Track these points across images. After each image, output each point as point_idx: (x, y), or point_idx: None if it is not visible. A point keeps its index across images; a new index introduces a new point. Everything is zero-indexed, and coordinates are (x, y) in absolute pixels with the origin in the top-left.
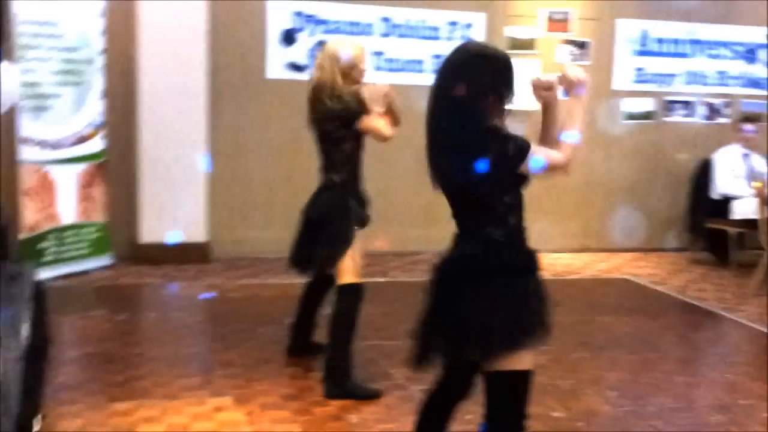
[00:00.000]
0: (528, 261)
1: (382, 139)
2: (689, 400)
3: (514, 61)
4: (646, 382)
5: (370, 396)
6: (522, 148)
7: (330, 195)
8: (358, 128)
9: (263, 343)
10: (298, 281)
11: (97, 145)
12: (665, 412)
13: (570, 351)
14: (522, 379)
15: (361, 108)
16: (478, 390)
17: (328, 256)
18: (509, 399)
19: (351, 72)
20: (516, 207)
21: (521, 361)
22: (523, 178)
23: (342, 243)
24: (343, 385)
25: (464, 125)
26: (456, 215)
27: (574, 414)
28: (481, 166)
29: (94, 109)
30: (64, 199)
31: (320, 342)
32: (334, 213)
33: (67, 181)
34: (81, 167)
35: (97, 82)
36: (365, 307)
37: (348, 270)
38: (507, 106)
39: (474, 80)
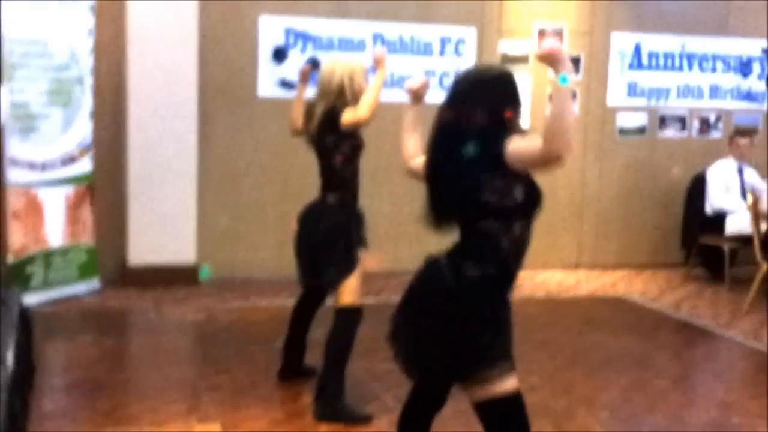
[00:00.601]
0: (492, 310)
1: (363, 121)
2: (683, 420)
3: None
4: (639, 401)
5: (361, 419)
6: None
7: (332, 215)
8: (342, 127)
9: (253, 367)
10: (289, 303)
11: (85, 166)
12: None
13: (563, 370)
14: (511, 401)
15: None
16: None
17: (332, 279)
18: (507, 424)
19: (350, 91)
20: (513, 249)
21: (503, 384)
22: (527, 207)
23: (347, 266)
24: (334, 407)
25: (487, 149)
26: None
27: None
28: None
29: (83, 129)
30: (52, 222)
31: (312, 365)
32: (338, 235)
33: (55, 204)
34: (69, 189)
35: (86, 101)
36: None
37: (349, 291)
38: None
39: (495, 101)
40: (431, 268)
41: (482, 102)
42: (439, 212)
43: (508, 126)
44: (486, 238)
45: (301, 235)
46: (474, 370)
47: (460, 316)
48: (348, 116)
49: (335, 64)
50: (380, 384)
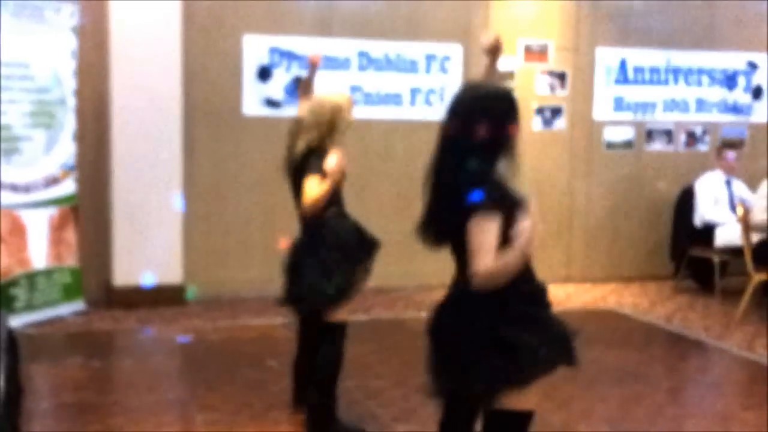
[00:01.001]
0: (513, 308)
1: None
2: None
3: None
4: (637, 414)
5: None
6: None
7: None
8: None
9: (245, 387)
10: (278, 322)
11: (69, 187)
12: None
13: (559, 385)
14: (523, 419)
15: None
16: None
17: (333, 301)
18: None
19: (337, 124)
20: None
21: (523, 400)
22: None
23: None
24: (327, 427)
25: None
26: (457, 263)
27: None
28: None
29: (66, 150)
30: (36, 244)
31: None
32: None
33: (39, 225)
34: (53, 210)
35: (69, 123)
36: (349, 346)
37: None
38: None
39: (497, 117)
40: (441, 303)
41: (485, 116)
42: (438, 228)
43: (510, 143)
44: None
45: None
46: (497, 383)
47: (488, 323)
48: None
49: (324, 100)
50: (375, 402)
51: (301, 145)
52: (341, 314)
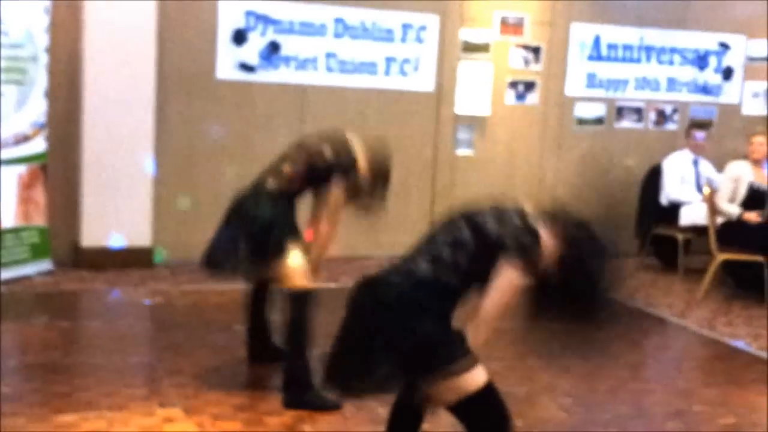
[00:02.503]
0: (439, 308)
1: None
2: (644, 407)
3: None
4: (600, 389)
5: (330, 407)
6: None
7: (271, 201)
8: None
9: (213, 351)
10: (247, 287)
11: (39, 145)
12: (620, 419)
13: (524, 358)
14: (484, 394)
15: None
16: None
17: (262, 265)
18: (485, 418)
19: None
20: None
21: (471, 380)
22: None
23: (275, 253)
24: (303, 395)
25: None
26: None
27: (530, 422)
28: None
29: (37, 108)
30: (4, 202)
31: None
32: (274, 222)
33: (8, 183)
34: (22, 168)
35: (40, 80)
36: (321, 313)
37: (294, 274)
38: None
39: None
40: (372, 281)
41: None
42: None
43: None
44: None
45: (232, 219)
46: (435, 367)
47: (413, 314)
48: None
49: (363, 148)
50: None
51: (321, 147)
52: (304, 282)
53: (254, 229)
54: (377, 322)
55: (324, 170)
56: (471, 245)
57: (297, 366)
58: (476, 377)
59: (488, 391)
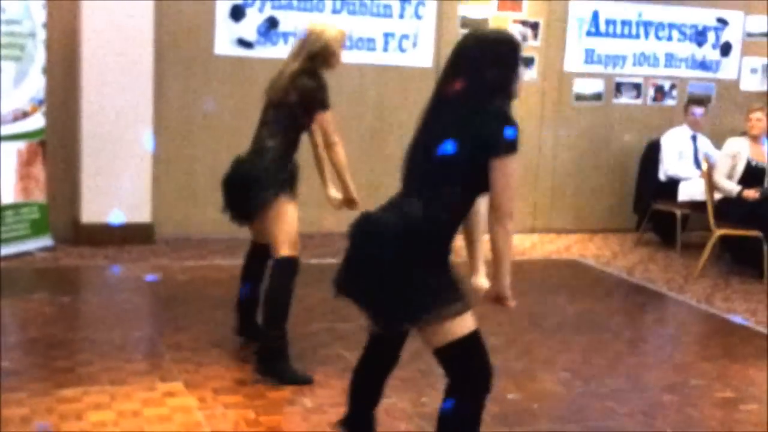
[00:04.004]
0: (439, 252)
1: (328, 139)
2: (641, 381)
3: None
4: (598, 363)
5: (300, 381)
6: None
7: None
8: (310, 118)
9: (213, 326)
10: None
11: (38, 121)
12: (618, 392)
13: (522, 333)
14: (470, 341)
15: (322, 100)
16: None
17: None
18: (468, 364)
19: (327, 57)
20: (467, 208)
21: (461, 324)
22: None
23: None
24: (274, 366)
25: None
26: (413, 183)
27: (528, 395)
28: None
29: (36, 84)
30: (4, 178)
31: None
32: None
33: (7, 159)
34: (21, 145)
35: (39, 56)
36: (315, 289)
37: (282, 242)
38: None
39: (506, 65)
40: (369, 220)
41: (497, 64)
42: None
43: (510, 96)
44: (439, 196)
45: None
46: (430, 309)
47: (409, 256)
48: (327, 121)
49: (324, 28)
50: (342, 343)
51: (292, 69)
52: (288, 249)
53: (236, 182)
54: (374, 264)
55: (299, 106)
56: (457, 164)
57: (274, 335)
58: (466, 323)
59: (475, 338)
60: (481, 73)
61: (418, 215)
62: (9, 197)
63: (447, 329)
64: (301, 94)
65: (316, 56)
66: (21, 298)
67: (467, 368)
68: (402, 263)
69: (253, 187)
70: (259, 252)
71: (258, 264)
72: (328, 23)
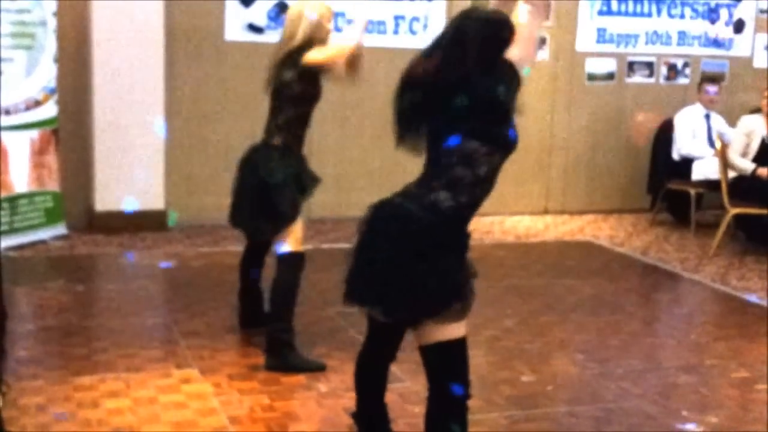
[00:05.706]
0: (461, 241)
1: (327, 65)
2: (656, 361)
3: None
4: (612, 343)
5: (313, 369)
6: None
7: (279, 160)
8: (303, 67)
9: (227, 313)
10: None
11: (50, 110)
12: (634, 373)
13: (537, 314)
14: (459, 345)
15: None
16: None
17: (274, 227)
18: (455, 368)
19: (316, 33)
20: (485, 181)
21: (455, 329)
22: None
23: (290, 214)
24: (285, 357)
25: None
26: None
27: (543, 377)
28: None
29: (47, 73)
30: (17, 167)
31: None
32: (284, 181)
33: (20, 148)
34: (34, 133)
35: (50, 44)
36: (329, 273)
37: (291, 238)
38: None
39: (505, 42)
40: (390, 207)
41: (480, 48)
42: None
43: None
44: (455, 175)
45: (243, 178)
46: (447, 304)
47: (437, 250)
48: (312, 54)
49: (303, 7)
50: (357, 329)
51: (280, 54)
52: (294, 245)
53: (261, 192)
54: (392, 253)
55: (299, 82)
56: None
57: (280, 328)
58: (461, 327)
59: (463, 345)
60: (474, 52)
61: (440, 205)
62: (23, 186)
63: (443, 329)
64: (299, 69)
65: (310, 36)
66: (36, 287)
67: (450, 372)
68: (426, 254)
69: (277, 201)
70: (258, 244)
71: (257, 257)
72: (311, 2)
